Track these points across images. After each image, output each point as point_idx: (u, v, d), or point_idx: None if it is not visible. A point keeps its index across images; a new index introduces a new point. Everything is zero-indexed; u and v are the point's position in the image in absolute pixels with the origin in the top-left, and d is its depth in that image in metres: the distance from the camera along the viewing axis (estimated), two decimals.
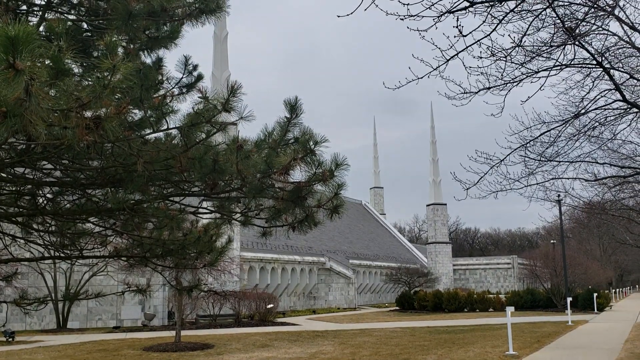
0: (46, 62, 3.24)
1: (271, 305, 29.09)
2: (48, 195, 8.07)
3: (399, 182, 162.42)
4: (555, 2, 5.94)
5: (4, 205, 7.94)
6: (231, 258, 24.78)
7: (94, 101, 3.75)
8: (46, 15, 5.75)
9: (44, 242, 9.12)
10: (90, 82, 4.41)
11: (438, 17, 5.15)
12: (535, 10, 6.08)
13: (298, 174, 5.66)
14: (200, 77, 7.79)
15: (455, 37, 5.39)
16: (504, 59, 6.62)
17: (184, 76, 7.38)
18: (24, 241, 8.98)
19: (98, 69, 3.66)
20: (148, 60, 7.33)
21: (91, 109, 3.76)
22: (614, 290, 52.45)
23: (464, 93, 7.09)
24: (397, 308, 42.44)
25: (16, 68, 2.78)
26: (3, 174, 6.51)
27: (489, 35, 5.62)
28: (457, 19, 5.13)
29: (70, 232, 9.01)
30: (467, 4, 5.10)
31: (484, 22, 5.42)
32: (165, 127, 5.58)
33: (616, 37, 7.52)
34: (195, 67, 7.59)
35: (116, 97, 4.04)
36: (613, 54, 7.81)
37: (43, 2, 6.86)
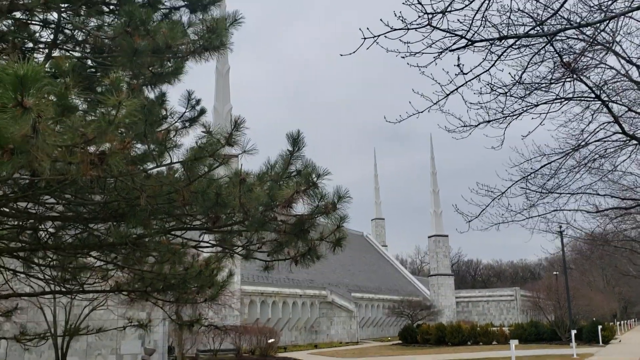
0: (52, 99, 3.29)
1: (272, 340, 28.75)
2: (50, 230, 8.07)
3: (399, 213, 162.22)
4: (554, 38, 6.04)
5: (6, 240, 7.94)
6: (232, 292, 24.58)
7: (99, 137, 3.79)
8: (52, 52, 5.84)
9: (45, 276, 9.08)
10: (94, 118, 4.47)
11: (438, 54, 5.24)
12: (533, 44, 6.19)
13: (300, 207, 5.67)
14: (203, 111, 7.88)
15: (456, 74, 5.49)
16: (505, 94, 6.71)
17: (187, 110, 7.47)
18: (25, 276, 8.94)
19: (103, 104, 3.71)
20: (151, 95, 7.44)
21: (96, 144, 3.80)
22: (618, 323, 51.90)
23: (464, 126, 7.16)
24: (400, 342, 41.92)
25: (24, 106, 2.83)
26: (6, 209, 6.52)
27: (487, 70, 5.71)
28: (458, 57, 5.24)
29: (71, 266, 8.98)
30: (467, 42, 5.19)
31: (484, 59, 5.52)
32: (168, 161, 5.61)
33: (614, 71, 7.63)
34: (198, 102, 7.69)
35: (120, 132, 4.08)
36: (611, 87, 7.91)
37: (49, 40, 6.98)
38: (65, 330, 24.74)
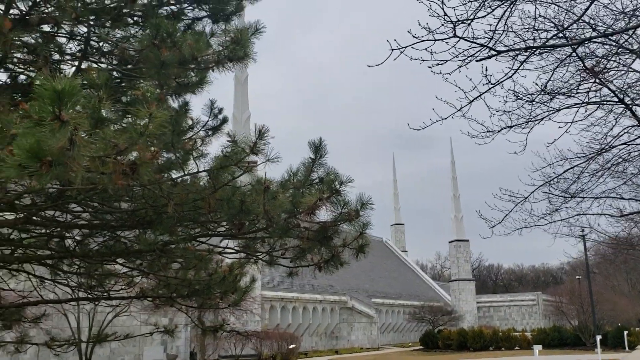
0: (87, 112, 3.39)
1: (293, 346, 28.80)
2: (77, 238, 8.22)
3: (418, 218, 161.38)
4: (579, 46, 6.03)
5: (34, 248, 8.11)
6: (253, 297, 24.71)
7: (130, 147, 3.89)
8: (81, 65, 5.98)
9: (70, 283, 9.24)
10: (121, 127, 4.58)
11: (463, 62, 5.27)
12: (555, 50, 6.19)
13: (323, 214, 5.74)
14: (225, 120, 7.99)
15: (483, 84, 5.52)
16: (529, 102, 6.72)
17: (210, 119, 7.59)
18: (51, 283, 9.11)
19: (132, 115, 3.82)
20: (175, 105, 7.57)
21: (127, 155, 3.91)
22: None
23: (487, 132, 7.18)
24: (421, 347, 41.69)
25: (62, 119, 2.93)
26: (35, 218, 6.67)
27: (510, 77, 5.73)
28: (486, 69, 5.28)
29: (97, 273, 9.14)
30: (494, 53, 5.22)
31: (511, 69, 5.54)
32: (195, 169, 5.72)
33: (637, 74, 7.58)
34: (220, 111, 7.80)
35: (149, 142, 4.18)
36: (635, 91, 7.85)
37: (75, 52, 7.15)
38: (89, 336, 25.08)
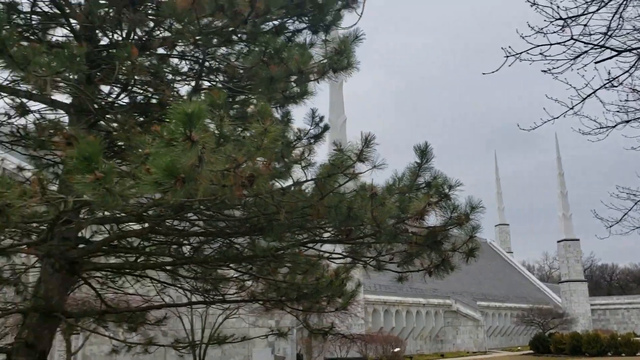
0: (212, 131, 3.66)
1: (398, 349, 28.69)
2: (194, 244, 8.74)
3: (523, 218, 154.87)
4: None
5: (155, 255, 8.71)
6: (357, 301, 24.92)
7: (248, 161, 4.14)
8: (197, 84, 6.38)
9: (189, 287, 9.82)
10: (237, 141, 4.86)
11: (574, 60, 5.11)
12: None
13: (431, 218, 5.76)
14: (326, 128, 8.18)
15: (604, 80, 5.30)
16: None
17: (312, 128, 7.81)
18: (173, 287, 9.72)
19: (245, 129, 4.05)
20: (277, 115, 7.87)
21: (246, 168, 4.16)
22: None
23: (600, 128, 6.86)
24: (532, 351, 40.05)
25: (192, 139, 3.20)
26: (159, 227, 7.18)
27: (628, 71, 5.46)
28: (609, 72, 5.06)
29: (211, 278, 9.65)
30: (614, 53, 5.02)
31: (633, 66, 5.30)
32: (303, 178, 5.94)
33: None
34: (321, 119, 8.00)
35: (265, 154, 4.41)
36: None
37: (190, 72, 7.64)
38: (202, 338, 26.38)
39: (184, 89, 7.87)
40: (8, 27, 4.28)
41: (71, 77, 4.27)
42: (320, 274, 8.48)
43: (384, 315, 38.67)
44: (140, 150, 3.99)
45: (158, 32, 7.36)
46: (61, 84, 5.06)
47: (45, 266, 6.71)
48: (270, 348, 28.03)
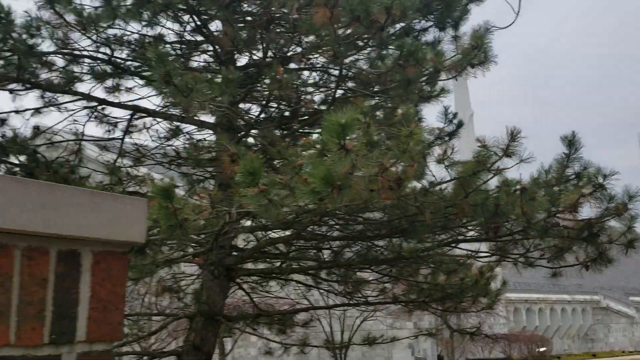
0: (362, 139, 3.81)
1: (544, 349, 27.36)
2: (334, 248, 8.99)
3: None
4: None
5: (297, 260, 9.08)
6: (498, 299, 24.11)
7: (393, 165, 4.23)
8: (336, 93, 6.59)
9: (331, 290, 10.10)
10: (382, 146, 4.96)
11: None
12: None
13: (585, 210, 5.50)
14: (460, 125, 8.07)
15: None
16: None
17: (445, 125, 7.74)
18: (317, 290, 10.07)
19: (395, 135, 4.14)
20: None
21: (392, 172, 4.25)
22: None
23: None
24: None
25: (346, 148, 3.35)
26: (303, 233, 7.49)
27: None
28: None
29: (352, 280, 9.86)
30: None
31: None
32: (446, 178, 5.93)
33: None
34: (454, 115, 7.91)
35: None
36: None
37: (321, 82, 7.92)
38: (341, 339, 26.91)
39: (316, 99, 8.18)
40: (171, 59, 4.73)
41: (225, 99, 4.64)
42: (464, 274, 8.36)
43: (526, 313, 36.97)
44: (292, 161, 4.22)
45: (289, 49, 7.71)
46: (211, 106, 5.47)
47: (206, 274, 7.26)
48: (410, 349, 27.91)
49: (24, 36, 5.90)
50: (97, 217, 1.32)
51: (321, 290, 9.78)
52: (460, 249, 7.70)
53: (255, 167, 3.60)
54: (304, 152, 4.11)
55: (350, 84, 7.80)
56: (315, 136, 6.48)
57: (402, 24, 7.78)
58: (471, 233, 7.30)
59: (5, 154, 6.86)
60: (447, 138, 7.82)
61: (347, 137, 3.33)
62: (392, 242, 7.50)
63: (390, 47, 6.00)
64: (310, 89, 8.17)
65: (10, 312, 1.17)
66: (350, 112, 3.35)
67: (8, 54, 6.43)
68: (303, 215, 4.82)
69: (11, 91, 7.09)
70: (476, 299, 9.06)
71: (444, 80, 5.96)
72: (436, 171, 6.62)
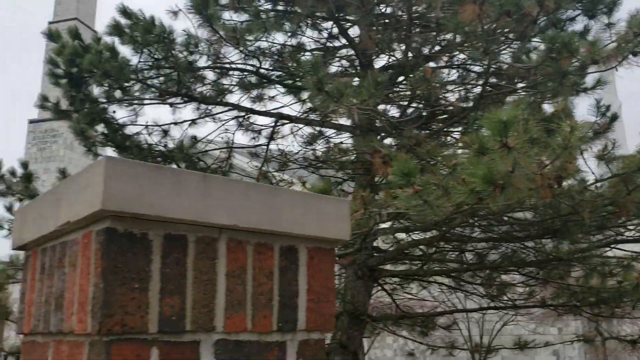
0: (523, 135, 3.70)
1: None
2: (477, 250, 8.75)
3: None
4: None
5: (440, 262, 8.95)
6: None
7: (552, 162, 4.06)
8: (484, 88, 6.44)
9: (475, 293, 9.84)
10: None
11: None
12: None
13: None
14: (614, 118, 7.52)
15: None
16: None
17: (598, 119, 7.25)
18: (461, 292, 9.87)
19: (556, 131, 3.97)
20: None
21: (552, 169, 4.08)
22: None
23: None
24: None
25: (508, 146, 3.28)
26: (449, 235, 7.38)
27: None
28: None
29: (496, 283, 9.52)
30: None
31: None
32: (607, 174, 5.57)
33: None
34: (607, 108, 7.39)
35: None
36: None
37: (462, 80, 7.77)
38: (480, 343, 26.06)
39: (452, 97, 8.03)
40: (321, 67, 4.91)
41: (371, 102, 4.72)
42: (623, 277, 7.78)
43: None
44: (445, 161, 4.20)
45: (431, 48, 7.66)
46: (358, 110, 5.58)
47: (349, 274, 7.41)
48: (555, 357, 26.37)
49: (184, 53, 6.40)
50: (310, 216, 1.44)
51: (465, 293, 9.56)
52: (620, 249, 7.18)
53: (411, 168, 3.63)
54: (458, 151, 4.07)
55: (492, 80, 7.60)
56: (464, 135, 6.36)
57: (551, 16, 7.46)
58: (630, 233, 6.80)
59: (168, 161, 7.50)
60: (601, 132, 7.35)
61: (510, 135, 3.26)
62: (542, 244, 7.16)
63: (534, 40, 5.76)
64: (449, 87, 8.06)
65: (246, 301, 1.31)
66: (510, 108, 3.28)
67: (169, 70, 7.04)
68: (454, 215, 4.75)
69: (171, 104, 7.74)
70: (636, 305, 8.39)
71: (602, 71, 5.58)
72: (589, 167, 6.25)
